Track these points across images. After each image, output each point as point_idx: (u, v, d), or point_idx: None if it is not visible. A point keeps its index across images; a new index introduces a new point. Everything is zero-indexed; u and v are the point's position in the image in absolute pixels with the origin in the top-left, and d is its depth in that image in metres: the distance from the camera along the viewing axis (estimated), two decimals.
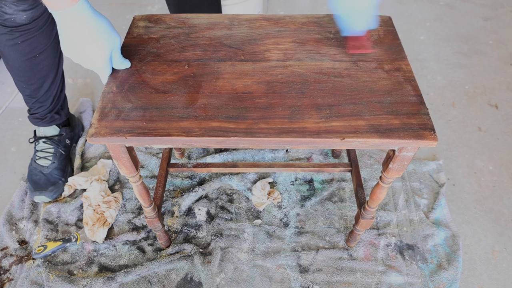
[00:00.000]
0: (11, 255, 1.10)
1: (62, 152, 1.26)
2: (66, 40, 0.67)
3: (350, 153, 1.12)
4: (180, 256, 1.08)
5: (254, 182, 1.25)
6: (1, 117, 1.47)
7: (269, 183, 1.24)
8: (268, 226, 1.15)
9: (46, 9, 0.87)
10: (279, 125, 0.67)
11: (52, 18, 1.04)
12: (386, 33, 0.84)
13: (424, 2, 2.02)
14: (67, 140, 1.29)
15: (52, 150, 1.24)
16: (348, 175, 1.27)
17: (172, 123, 0.67)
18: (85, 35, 0.66)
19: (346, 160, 1.32)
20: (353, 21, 0.77)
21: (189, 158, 1.32)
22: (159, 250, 1.10)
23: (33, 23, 1.00)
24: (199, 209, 1.19)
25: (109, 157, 1.32)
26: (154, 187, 1.21)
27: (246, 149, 1.33)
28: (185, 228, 1.15)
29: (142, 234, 1.13)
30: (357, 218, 0.98)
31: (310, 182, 1.25)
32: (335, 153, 1.30)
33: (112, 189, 1.24)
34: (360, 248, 1.10)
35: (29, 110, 1.21)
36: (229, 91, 0.72)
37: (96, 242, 1.11)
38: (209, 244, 1.11)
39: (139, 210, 1.19)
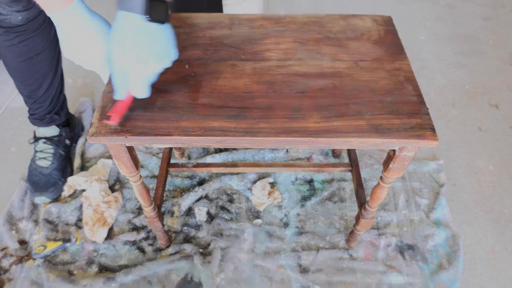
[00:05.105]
0: (11, 255, 1.10)
1: (61, 152, 1.25)
2: (65, 42, 0.67)
3: (351, 153, 1.12)
4: (180, 256, 1.08)
5: (254, 182, 1.25)
6: (1, 117, 1.47)
7: (269, 183, 1.24)
8: (268, 226, 1.15)
9: (41, 10, 0.87)
10: (279, 124, 0.66)
11: (50, 20, 1.04)
12: (387, 33, 0.84)
13: (424, 2, 2.02)
14: (66, 140, 1.28)
15: (51, 151, 1.23)
16: (348, 175, 1.27)
17: (172, 123, 0.67)
18: (82, 36, 0.66)
19: (346, 160, 1.32)
20: (117, 84, 0.65)
21: (189, 158, 1.32)
22: (159, 250, 1.10)
23: (28, 24, 0.99)
24: (199, 209, 1.19)
25: (109, 157, 1.32)
26: (154, 187, 1.21)
27: (246, 149, 1.32)
28: (185, 228, 1.15)
29: (142, 234, 1.12)
30: (357, 218, 0.98)
31: (310, 182, 1.25)
32: (335, 153, 1.30)
33: (112, 189, 1.24)
34: (360, 248, 1.10)
35: (29, 111, 1.21)
36: (229, 91, 0.72)
37: (96, 242, 1.11)
38: (209, 244, 1.11)
39: (139, 210, 1.19)
